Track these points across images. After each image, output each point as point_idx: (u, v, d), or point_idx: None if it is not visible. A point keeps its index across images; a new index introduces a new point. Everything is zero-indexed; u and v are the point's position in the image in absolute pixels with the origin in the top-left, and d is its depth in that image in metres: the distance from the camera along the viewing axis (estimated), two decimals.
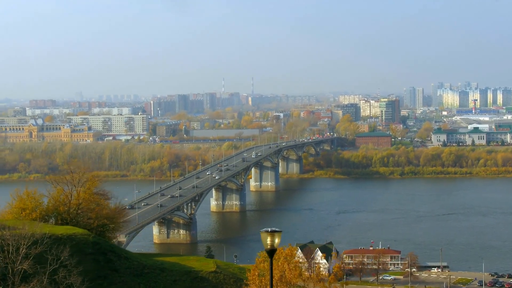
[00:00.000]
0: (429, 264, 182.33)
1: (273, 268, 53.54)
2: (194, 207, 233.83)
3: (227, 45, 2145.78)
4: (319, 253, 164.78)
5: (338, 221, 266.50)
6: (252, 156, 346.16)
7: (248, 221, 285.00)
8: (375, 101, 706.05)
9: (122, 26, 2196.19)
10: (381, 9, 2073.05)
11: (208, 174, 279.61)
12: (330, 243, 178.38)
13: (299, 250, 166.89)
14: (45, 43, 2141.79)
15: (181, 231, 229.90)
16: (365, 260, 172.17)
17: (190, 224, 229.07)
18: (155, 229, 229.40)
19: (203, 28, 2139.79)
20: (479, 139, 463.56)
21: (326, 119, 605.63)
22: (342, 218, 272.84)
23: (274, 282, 53.53)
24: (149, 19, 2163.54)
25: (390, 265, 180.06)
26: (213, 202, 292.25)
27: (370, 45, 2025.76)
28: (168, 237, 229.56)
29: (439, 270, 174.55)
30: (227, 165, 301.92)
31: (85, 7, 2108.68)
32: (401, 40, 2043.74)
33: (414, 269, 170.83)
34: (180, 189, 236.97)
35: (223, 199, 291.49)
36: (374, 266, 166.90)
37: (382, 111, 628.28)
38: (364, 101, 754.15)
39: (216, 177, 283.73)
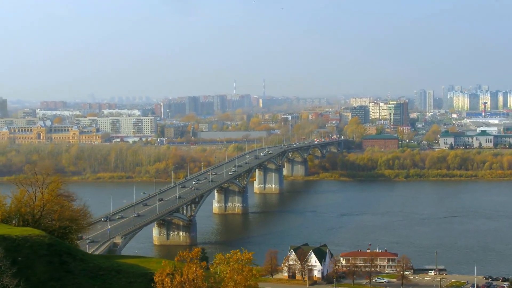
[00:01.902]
0: (427, 267, 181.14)
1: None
2: (194, 209, 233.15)
3: (239, 47, 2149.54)
4: (313, 255, 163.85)
5: (341, 223, 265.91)
6: (262, 155, 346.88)
7: (250, 223, 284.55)
8: (385, 104, 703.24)
9: (134, 29, 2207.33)
10: (393, 11, 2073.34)
11: (195, 183, 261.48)
12: (325, 245, 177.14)
13: (293, 252, 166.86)
14: (58, 45, 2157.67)
15: (181, 233, 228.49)
16: (358, 262, 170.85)
17: (189, 226, 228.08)
18: (155, 230, 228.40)
19: (215, 31, 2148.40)
20: (486, 142, 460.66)
21: (334, 122, 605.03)
22: (346, 220, 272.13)
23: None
24: (161, 22, 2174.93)
25: (387, 267, 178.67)
26: (215, 204, 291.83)
27: (381, 47, 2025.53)
28: (168, 238, 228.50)
29: (436, 273, 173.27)
30: (215, 174, 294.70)
31: (98, 9, 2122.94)
32: (413, 42, 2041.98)
33: (410, 272, 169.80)
34: (160, 200, 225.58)
35: (225, 201, 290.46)
36: (368, 269, 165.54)
37: (390, 114, 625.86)
38: (373, 103, 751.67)
39: (230, 172, 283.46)
